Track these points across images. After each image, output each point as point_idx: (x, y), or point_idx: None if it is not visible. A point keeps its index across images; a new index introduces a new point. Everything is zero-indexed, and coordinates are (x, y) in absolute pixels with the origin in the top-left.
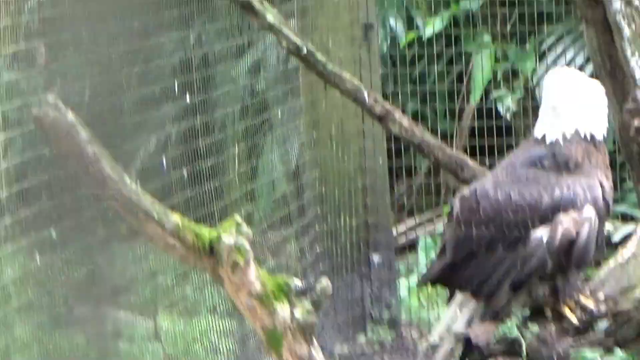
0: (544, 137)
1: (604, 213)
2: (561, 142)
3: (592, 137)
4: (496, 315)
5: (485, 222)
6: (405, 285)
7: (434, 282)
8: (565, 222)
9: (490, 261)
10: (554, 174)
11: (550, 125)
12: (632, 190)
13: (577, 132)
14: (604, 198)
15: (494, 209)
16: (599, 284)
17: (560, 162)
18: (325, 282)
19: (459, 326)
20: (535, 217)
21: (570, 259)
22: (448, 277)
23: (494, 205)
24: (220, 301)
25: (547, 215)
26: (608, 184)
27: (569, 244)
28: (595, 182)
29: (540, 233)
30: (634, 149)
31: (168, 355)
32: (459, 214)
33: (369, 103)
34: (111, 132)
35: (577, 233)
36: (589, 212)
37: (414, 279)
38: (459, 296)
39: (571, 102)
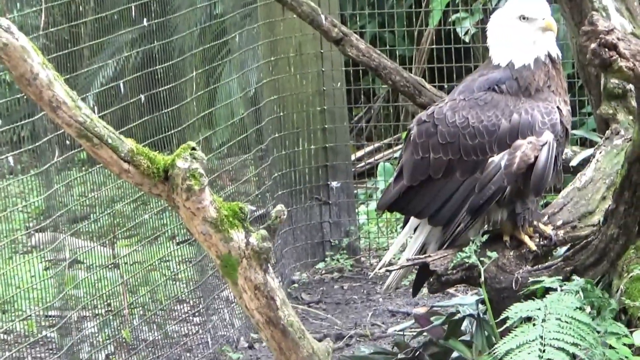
0: (508, 61)
1: (563, 138)
2: (525, 65)
3: (552, 58)
4: (453, 242)
5: (443, 146)
6: (364, 211)
7: (390, 209)
8: (524, 147)
9: (447, 186)
10: (513, 98)
11: (512, 48)
12: (591, 114)
13: (538, 57)
14: (562, 123)
15: (451, 133)
16: (557, 209)
17: (520, 87)
18: (280, 208)
19: (413, 252)
20: (493, 142)
21: (528, 184)
22: (404, 202)
23: (452, 129)
24: (178, 228)
25: (505, 140)
26: (566, 109)
27: (527, 168)
28: (553, 107)
29: (498, 158)
30: (592, 72)
31: (127, 284)
32: (416, 138)
33: (326, 26)
34: (68, 56)
35: (535, 158)
36: (547, 137)
37: (373, 206)
38: (413, 221)
39: (531, 25)
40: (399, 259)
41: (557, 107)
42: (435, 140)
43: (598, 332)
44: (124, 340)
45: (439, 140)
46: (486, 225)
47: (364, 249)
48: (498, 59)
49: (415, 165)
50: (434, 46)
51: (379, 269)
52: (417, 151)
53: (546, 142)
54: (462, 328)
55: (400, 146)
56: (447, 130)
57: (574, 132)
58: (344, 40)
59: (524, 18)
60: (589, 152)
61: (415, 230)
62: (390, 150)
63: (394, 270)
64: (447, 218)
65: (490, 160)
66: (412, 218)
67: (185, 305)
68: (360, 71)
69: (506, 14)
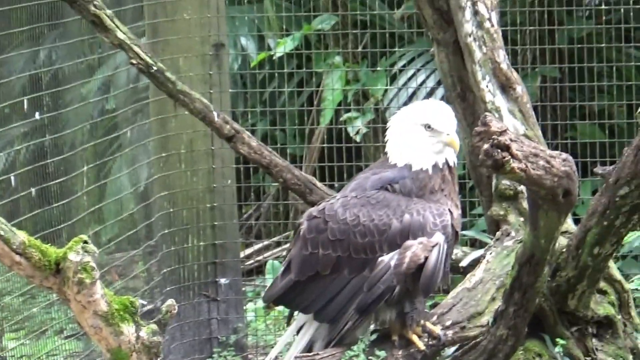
0: (405, 163)
1: (452, 241)
2: (423, 169)
3: (450, 165)
4: (341, 340)
5: (332, 243)
6: (252, 308)
7: (276, 302)
8: (414, 247)
9: (335, 283)
10: (405, 198)
11: (412, 151)
12: (482, 215)
13: (437, 163)
14: (452, 226)
15: (341, 230)
16: (446, 309)
17: (414, 188)
18: (171, 302)
19: (299, 349)
20: (384, 241)
21: (417, 284)
22: (291, 296)
23: (342, 226)
24: (67, 322)
25: (395, 240)
26: (457, 212)
27: (417, 269)
28: (445, 209)
29: (388, 257)
30: (483, 173)
31: None
32: (306, 233)
33: (218, 123)
34: None
35: (426, 258)
36: (438, 238)
37: (261, 303)
38: (300, 317)
39: (434, 136)
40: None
41: (449, 210)
42: (325, 237)
43: None
44: None
45: (329, 237)
46: (374, 324)
47: (251, 346)
48: (395, 159)
49: (303, 260)
50: (325, 145)
51: None
52: (306, 246)
53: (437, 243)
54: None
55: (289, 244)
56: (337, 227)
57: (465, 232)
58: (235, 137)
59: (428, 127)
60: (479, 252)
61: (302, 326)
62: (280, 248)
63: None
64: (333, 315)
65: (380, 259)
66: (299, 314)
67: None
68: (251, 168)
69: (411, 118)
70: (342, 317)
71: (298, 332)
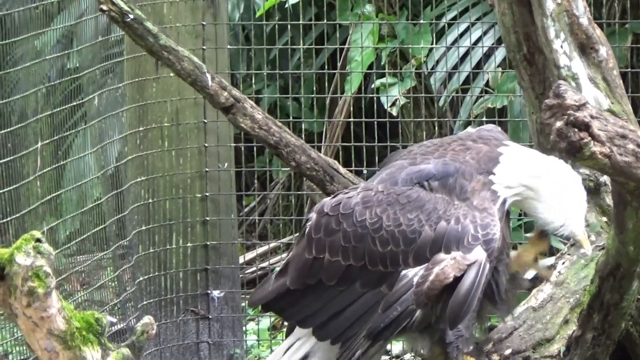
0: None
1: (500, 256)
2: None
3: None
4: None
5: (343, 249)
6: (253, 330)
7: (266, 307)
8: (444, 264)
9: (343, 297)
10: (444, 200)
11: None
12: None
13: None
14: (503, 238)
15: (357, 234)
16: (505, 334)
17: (453, 186)
18: (148, 320)
19: None
20: (410, 252)
21: (444, 310)
22: (285, 303)
23: (359, 229)
24: (12, 345)
25: (424, 252)
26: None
27: (444, 290)
28: (494, 219)
29: (413, 273)
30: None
31: None
32: (313, 232)
33: (212, 89)
34: None
35: (456, 279)
36: (478, 255)
37: (265, 324)
38: (296, 331)
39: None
40: None
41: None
42: (336, 240)
43: None
44: None
45: (341, 242)
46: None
47: None
48: None
49: (304, 265)
50: (351, 119)
51: None
52: (310, 249)
53: (475, 261)
54: None
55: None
56: (353, 230)
57: (529, 235)
58: (235, 107)
59: None
60: (549, 261)
61: (295, 342)
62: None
63: None
64: (337, 334)
65: (402, 273)
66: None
67: None
68: (255, 149)
69: None
70: (348, 338)
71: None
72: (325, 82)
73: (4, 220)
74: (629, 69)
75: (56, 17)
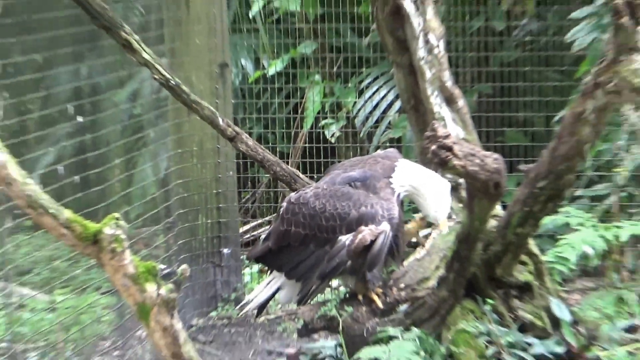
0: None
1: (397, 228)
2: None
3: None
4: (305, 296)
5: (302, 223)
6: (248, 272)
7: (257, 260)
8: (364, 232)
9: (303, 253)
10: (364, 193)
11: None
12: None
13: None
14: (398, 217)
15: (311, 214)
16: (401, 275)
17: (369, 186)
18: (185, 266)
19: (268, 294)
20: (343, 225)
21: (364, 261)
22: (268, 258)
23: (311, 211)
24: (103, 281)
25: (352, 225)
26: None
27: (365, 249)
28: (393, 205)
29: (345, 237)
30: (432, 169)
31: (61, 324)
32: (284, 213)
33: (222, 126)
34: (19, 144)
35: (372, 242)
36: (385, 227)
37: (255, 268)
38: (274, 273)
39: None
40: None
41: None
42: (298, 218)
43: None
44: None
45: (301, 219)
46: (344, 287)
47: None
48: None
49: (279, 234)
50: (307, 145)
51: (245, 312)
52: (283, 224)
53: (383, 231)
54: None
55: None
56: (307, 212)
57: (416, 215)
58: (236, 138)
59: None
60: (426, 232)
61: (272, 279)
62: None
63: (253, 305)
64: (299, 275)
65: (338, 238)
66: (273, 271)
67: (107, 341)
68: (248, 163)
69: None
70: (305, 278)
71: (269, 282)
72: (291, 122)
73: (97, 207)
74: (476, 113)
75: (127, 82)
